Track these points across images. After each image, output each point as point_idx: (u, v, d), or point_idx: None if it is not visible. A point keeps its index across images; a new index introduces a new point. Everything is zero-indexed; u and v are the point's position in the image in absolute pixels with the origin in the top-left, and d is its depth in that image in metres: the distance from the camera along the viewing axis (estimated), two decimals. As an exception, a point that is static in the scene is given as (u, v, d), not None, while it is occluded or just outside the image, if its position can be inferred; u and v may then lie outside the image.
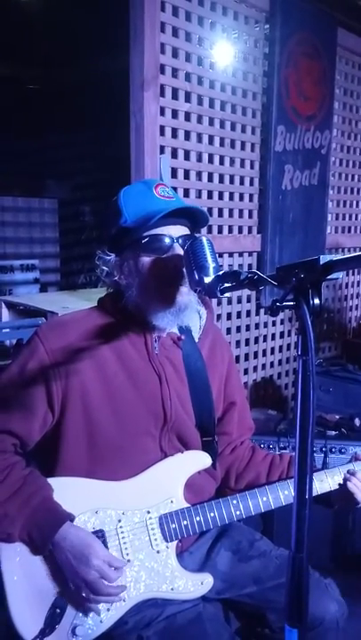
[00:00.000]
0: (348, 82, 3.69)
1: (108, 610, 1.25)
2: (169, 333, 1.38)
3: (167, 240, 1.29)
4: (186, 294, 1.29)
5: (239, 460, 1.55)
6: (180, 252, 1.27)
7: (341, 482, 1.39)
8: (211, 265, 1.09)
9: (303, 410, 0.78)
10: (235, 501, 1.36)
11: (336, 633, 1.36)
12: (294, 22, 3.07)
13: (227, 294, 1.06)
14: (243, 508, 1.36)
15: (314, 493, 1.38)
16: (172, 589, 1.29)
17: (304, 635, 0.83)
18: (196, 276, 1.10)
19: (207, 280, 1.08)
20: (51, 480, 1.30)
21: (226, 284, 1.04)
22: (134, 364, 1.34)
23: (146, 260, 1.29)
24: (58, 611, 1.22)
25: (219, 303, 3.01)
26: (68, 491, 1.28)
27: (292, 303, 0.80)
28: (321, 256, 0.76)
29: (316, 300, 0.78)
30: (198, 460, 1.40)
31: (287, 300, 0.81)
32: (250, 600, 1.41)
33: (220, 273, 1.07)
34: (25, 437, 1.31)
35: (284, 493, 1.38)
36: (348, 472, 1.39)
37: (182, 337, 1.39)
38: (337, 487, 1.40)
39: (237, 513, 1.35)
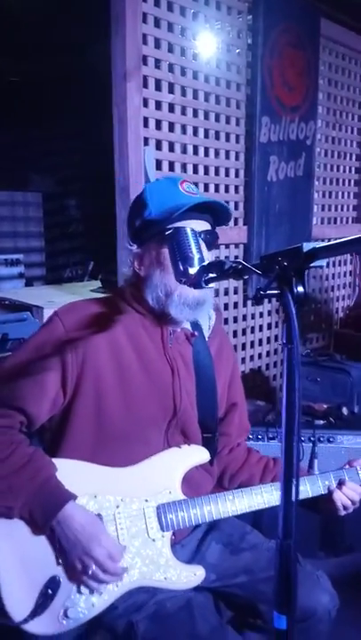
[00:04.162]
0: (332, 72, 3.69)
1: (101, 594, 1.26)
2: (183, 329, 1.40)
3: None
4: (204, 290, 1.30)
5: (235, 461, 1.57)
6: (203, 246, 1.30)
7: (332, 487, 1.42)
8: (195, 255, 1.08)
9: (289, 397, 0.78)
10: (230, 497, 1.37)
11: (328, 624, 1.38)
12: (277, 12, 3.06)
13: (212, 285, 1.06)
14: (238, 504, 1.37)
15: (305, 496, 1.41)
16: (165, 578, 1.30)
17: (293, 621, 0.83)
18: (181, 267, 1.09)
19: (192, 271, 1.07)
20: (53, 460, 1.30)
21: (211, 275, 1.04)
22: (149, 355, 1.36)
23: (167, 251, 1.29)
24: (50, 592, 1.22)
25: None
26: (70, 473, 1.28)
27: (275, 292, 0.80)
28: (304, 243, 0.76)
29: (300, 288, 0.78)
30: (197, 454, 1.41)
31: (271, 288, 0.81)
32: (241, 591, 1.42)
33: (205, 263, 1.06)
34: (34, 417, 1.31)
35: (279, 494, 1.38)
36: (338, 481, 1.42)
37: (196, 333, 1.42)
38: (326, 492, 1.42)
39: (233, 509, 1.36)
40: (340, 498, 1.41)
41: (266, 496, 1.38)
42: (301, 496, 1.40)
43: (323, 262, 0.78)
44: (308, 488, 1.42)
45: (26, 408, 1.29)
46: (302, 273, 0.78)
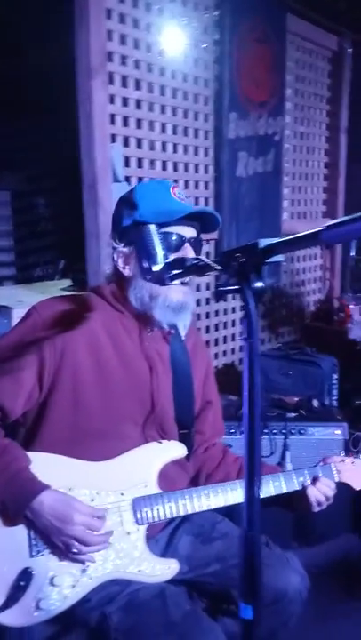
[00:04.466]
0: (299, 68, 3.72)
1: (74, 586, 1.26)
2: (160, 328, 1.41)
3: (180, 239, 1.34)
4: (188, 294, 1.35)
5: (211, 459, 1.59)
6: (191, 252, 1.33)
7: (306, 483, 1.44)
8: (159, 253, 1.10)
9: (250, 391, 0.80)
10: (206, 491, 1.38)
11: (300, 605, 1.41)
12: (244, 8, 3.07)
13: (175, 281, 1.07)
14: (214, 499, 1.38)
15: (279, 491, 1.43)
16: (138, 571, 1.31)
17: (259, 611, 0.85)
18: (146, 264, 1.10)
19: (156, 268, 1.09)
20: (28, 453, 1.30)
21: (174, 271, 1.06)
22: (127, 352, 1.37)
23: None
24: (22, 584, 1.22)
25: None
26: (45, 466, 1.29)
27: (234, 287, 0.82)
28: (260, 240, 0.77)
29: (259, 284, 0.79)
30: (174, 449, 1.42)
31: (230, 284, 0.82)
32: (214, 579, 1.44)
33: (169, 260, 1.08)
34: (8, 411, 1.31)
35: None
36: (313, 478, 1.44)
37: (172, 332, 1.44)
38: (300, 488, 1.44)
39: (208, 504, 1.38)
40: (315, 494, 1.43)
41: (241, 491, 1.39)
42: (276, 492, 1.42)
43: (280, 257, 0.80)
44: (282, 484, 1.43)
45: (2, 403, 1.29)
46: (260, 268, 0.79)
